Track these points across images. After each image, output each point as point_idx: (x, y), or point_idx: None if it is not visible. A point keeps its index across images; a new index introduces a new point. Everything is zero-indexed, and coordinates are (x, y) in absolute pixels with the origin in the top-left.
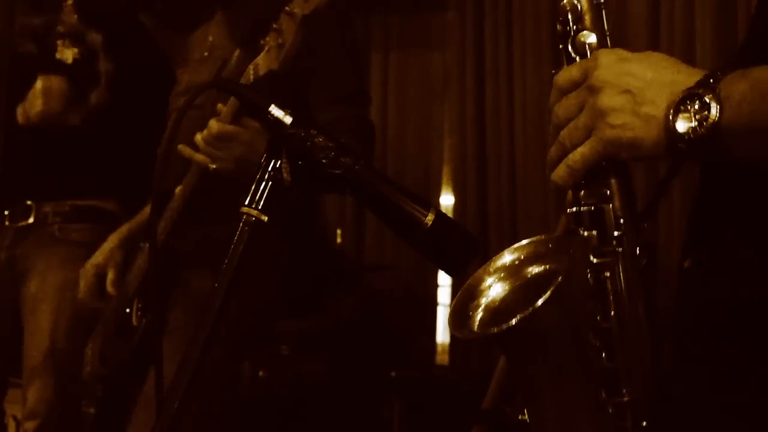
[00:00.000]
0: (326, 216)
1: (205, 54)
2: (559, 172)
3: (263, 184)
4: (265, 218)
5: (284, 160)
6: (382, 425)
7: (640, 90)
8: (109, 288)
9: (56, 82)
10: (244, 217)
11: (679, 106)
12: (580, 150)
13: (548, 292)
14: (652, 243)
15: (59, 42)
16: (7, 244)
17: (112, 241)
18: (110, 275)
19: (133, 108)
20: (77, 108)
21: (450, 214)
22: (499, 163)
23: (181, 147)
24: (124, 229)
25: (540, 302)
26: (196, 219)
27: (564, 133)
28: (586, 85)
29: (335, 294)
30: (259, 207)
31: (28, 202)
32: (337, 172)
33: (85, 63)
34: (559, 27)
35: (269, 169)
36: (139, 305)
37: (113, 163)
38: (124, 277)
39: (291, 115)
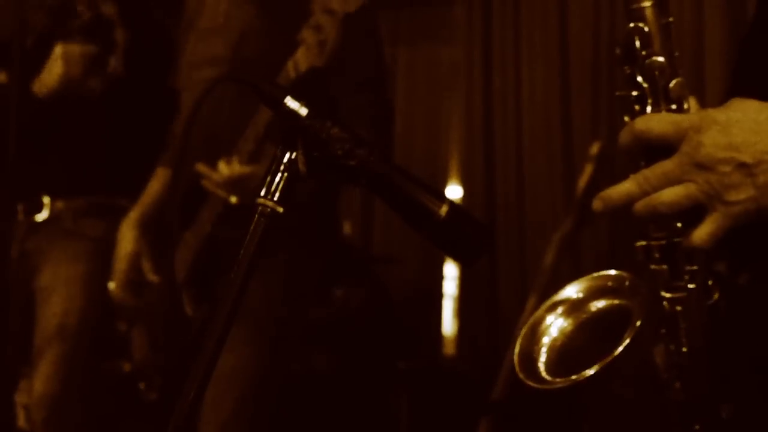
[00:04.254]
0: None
1: (221, 21)
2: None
3: (279, 175)
4: (281, 209)
5: (300, 152)
6: (390, 416)
7: (753, 160)
8: (151, 277)
9: (76, 47)
10: (260, 208)
11: None
12: (706, 229)
13: (628, 339)
14: (724, 276)
15: (78, 5)
16: (20, 238)
17: (131, 230)
18: (147, 265)
19: (147, 90)
20: (98, 76)
21: None
22: (507, 156)
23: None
24: (135, 215)
25: (620, 350)
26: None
27: (664, 202)
28: (692, 161)
29: (343, 285)
30: (275, 198)
31: (42, 197)
32: (352, 163)
33: (103, 29)
34: (618, 50)
35: (285, 160)
36: (192, 294)
37: (127, 159)
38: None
39: (306, 106)
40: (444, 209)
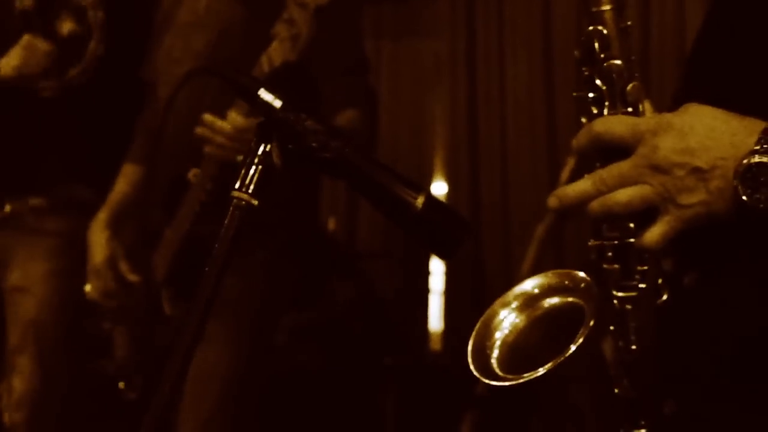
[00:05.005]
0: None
1: (201, 15)
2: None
3: (253, 168)
4: (255, 202)
5: (274, 144)
6: (377, 412)
7: (707, 166)
8: (130, 277)
9: (41, 44)
10: (234, 201)
11: (746, 176)
12: (657, 230)
13: (580, 339)
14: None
15: (63, 12)
16: None
17: (102, 232)
18: (123, 266)
19: (113, 92)
20: (54, 79)
21: None
22: (491, 151)
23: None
24: (104, 216)
25: (573, 348)
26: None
27: (619, 202)
28: (648, 164)
29: (329, 282)
30: (249, 191)
31: (4, 195)
32: (327, 155)
33: (77, 40)
34: (577, 52)
35: (259, 153)
36: (171, 292)
37: (90, 152)
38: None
39: (280, 98)
40: (420, 200)
